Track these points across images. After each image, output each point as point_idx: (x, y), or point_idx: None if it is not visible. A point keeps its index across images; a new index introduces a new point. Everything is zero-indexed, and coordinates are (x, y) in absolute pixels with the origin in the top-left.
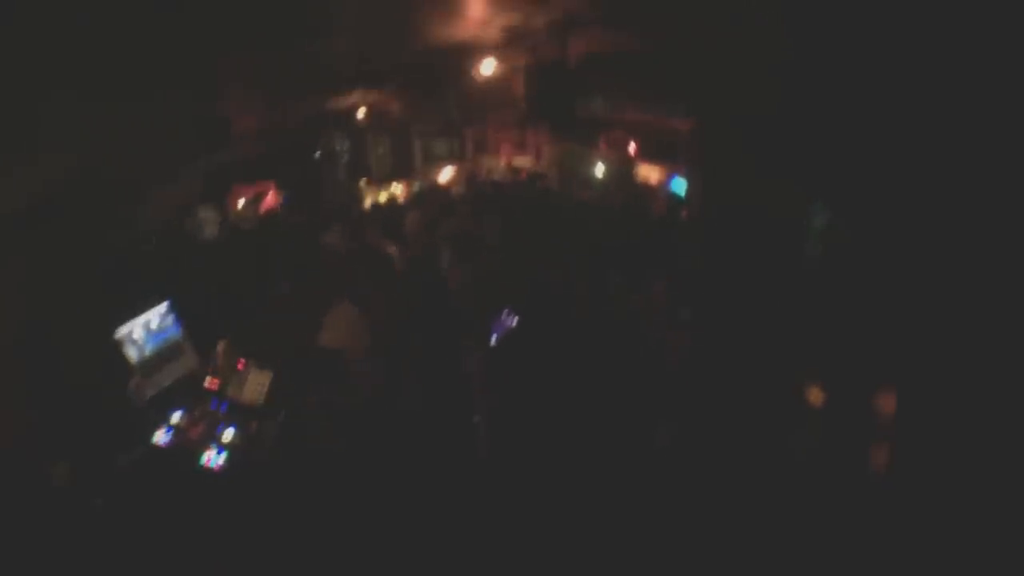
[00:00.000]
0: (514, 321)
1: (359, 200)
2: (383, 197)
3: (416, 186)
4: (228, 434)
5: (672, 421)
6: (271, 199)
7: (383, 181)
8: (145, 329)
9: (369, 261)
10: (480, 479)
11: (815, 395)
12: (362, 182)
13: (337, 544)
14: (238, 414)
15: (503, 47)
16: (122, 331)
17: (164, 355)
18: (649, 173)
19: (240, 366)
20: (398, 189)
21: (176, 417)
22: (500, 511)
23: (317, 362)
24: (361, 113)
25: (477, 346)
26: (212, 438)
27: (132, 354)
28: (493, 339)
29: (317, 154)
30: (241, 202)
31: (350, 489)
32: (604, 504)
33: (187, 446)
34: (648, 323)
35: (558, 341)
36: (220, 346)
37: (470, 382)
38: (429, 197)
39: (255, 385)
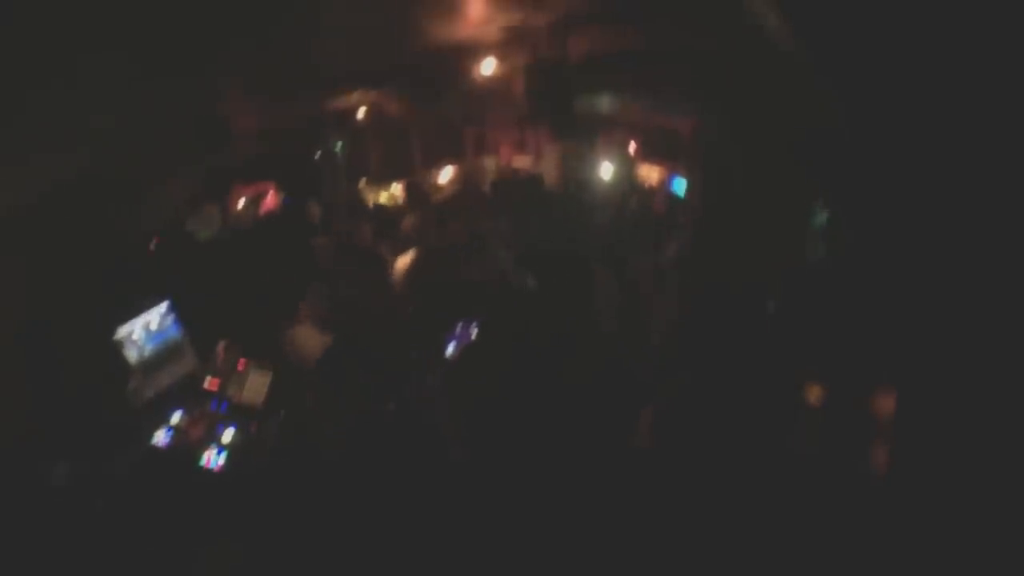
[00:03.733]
0: (473, 332)
1: (359, 200)
2: (383, 197)
3: (411, 186)
4: (228, 434)
5: (667, 418)
6: (271, 199)
7: (383, 181)
8: (145, 329)
9: (360, 263)
10: (463, 484)
11: (815, 395)
12: (362, 182)
13: (336, 544)
14: (238, 414)
15: (503, 47)
16: (122, 331)
17: (164, 355)
18: (649, 173)
19: (240, 366)
20: (398, 189)
21: (176, 417)
22: (494, 515)
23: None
24: (361, 113)
25: (433, 360)
26: (212, 438)
27: (132, 354)
28: (449, 349)
29: (317, 154)
30: (241, 202)
31: (349, 490)
32: (593, 507)
33: (187, 446)
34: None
35: (542, 346)
36: (220, 346)
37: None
38: (422, 198)
39: (255, 385)
